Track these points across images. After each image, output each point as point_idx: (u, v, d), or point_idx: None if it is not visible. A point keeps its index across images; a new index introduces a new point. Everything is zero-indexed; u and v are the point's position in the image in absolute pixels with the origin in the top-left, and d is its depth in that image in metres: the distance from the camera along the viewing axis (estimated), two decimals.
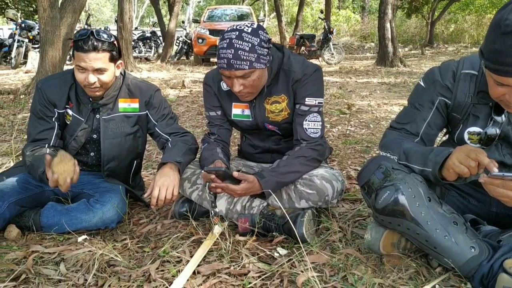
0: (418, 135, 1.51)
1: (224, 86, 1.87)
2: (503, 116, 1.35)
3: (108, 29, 12.87)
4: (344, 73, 9.07)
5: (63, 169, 1.61)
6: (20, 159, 1.98)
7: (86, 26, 12.18)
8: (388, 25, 9.78)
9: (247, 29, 1.60)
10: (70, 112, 1.90)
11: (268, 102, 1.82)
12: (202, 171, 1.72)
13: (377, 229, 1.48)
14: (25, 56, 10.17)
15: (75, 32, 5.67)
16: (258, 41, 1.59)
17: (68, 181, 1.60)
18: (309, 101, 1.77)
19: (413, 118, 1.51)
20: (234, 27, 1.62)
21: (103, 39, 1.74)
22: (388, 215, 1.36)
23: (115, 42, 1.81)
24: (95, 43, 1.72)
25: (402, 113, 1.58)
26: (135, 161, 2.07)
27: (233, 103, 1.89)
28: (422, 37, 18.23)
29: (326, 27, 11.75)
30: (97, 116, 1.92)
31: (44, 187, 1.91)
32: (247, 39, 1.58)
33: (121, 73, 1.95)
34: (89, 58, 1.72)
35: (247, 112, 1.87)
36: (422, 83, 1.52)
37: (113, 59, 1.81)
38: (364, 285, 1.36)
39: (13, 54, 10.01)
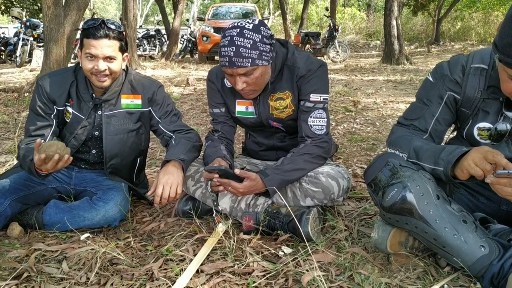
0: (426, 131, 1.47)
1: (227, 83, 1.84)
2: None
3: None
4: (349, 71, 9.01)
5: (52, 150, 1.52)
6: None
7: None
8: (394, 22, 9.71)
9: (248, 26, 1.57)
10: (70, 109, 1.88)
11: (272, 98, 1.79)
12: (203, 170, 1.70)
13: (384, 228, 1.45)
14: (30, 55, 10.20)
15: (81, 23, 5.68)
16: (260, 37, 1.56)
17: (56, 157, 1.53)
18: (314, 97, 1.74)
19: (422, 114, 1.48)
20: (235, 24, 1.59)
21: (114, 27, 1.75)
22: (396, 213, 1.32)
23: (124, 33, 1.82)
24: (107, 31, 1.73)
25: (410, 109, 1.55)
26: (138, 159, 2.05)
27: (237, 100, 1.86)
28: (428, 34, 18.10)
29: (331, 24, 11.69)
30: (99, 112, 1.90)
31: (47, 184, 1.90)
32: (248, 36, 1.55)
33: (123, 69, 1.93)
34: (100, 45, 1.72)
35: (251, 109, 1.85)
36: (430, 78, 1.48)
37: (122, 49, 1.81)
38: (371, 285, 1.33)
39: (18, 53, 10.05)
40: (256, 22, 1.60)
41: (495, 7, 17.62)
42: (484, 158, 1.16)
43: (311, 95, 1.73)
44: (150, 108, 1.97)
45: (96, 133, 1.92)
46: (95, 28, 1.72)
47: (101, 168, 1.98)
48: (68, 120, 1.90)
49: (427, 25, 19.07)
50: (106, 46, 1.73)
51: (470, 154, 1.21)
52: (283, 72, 1.76)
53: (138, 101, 1.94)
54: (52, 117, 1.87)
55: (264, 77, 1.66)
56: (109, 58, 1.76)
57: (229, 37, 1.56)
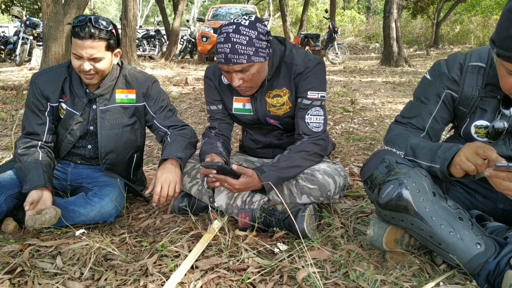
0: (424, 129, 1.47)
1: (225, 80, 1.84)
2: (511, 109, 1.31)
3: None
4: (348, 73, 9.03)
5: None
6: None
7: None
8: (393, 24, 9.74)
9: (244, 22, 1.57)
10: (64, 105, 1.87)
11: (270, 95, 1.79)
12: (200, 166, 1.69)
13: (380, 225, 1.44)
14: (30, 54, 10.20)
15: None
16: (256, 34, 1.56)
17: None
18: (311, 94, 1.73)
19: (419, 112, 1.48)
20: (232, 21, 1.59)
21: (101, 26, 1.70)
22: (392, 210, 1.32)
23: (114, 30, 1.78)
24: (92, 30, 1.68)
25: (407, 107, 1.54)
26: (135, 155, 2.04)
27: (234, 97, 1.86)
28: (427, 37, 18.16)
29: (331, 26, 11.71)
30: (94, 107, 1.89)
31: None
32: (244, 32, 1.54)
33: (118, 64, 1.92)
34: (84, 46, 1.69)
35: (248, 106, 1.84)
36: (428, 76, 1.48)
37: (109, 48, 1.77)
38: (366, 282, 1.32)
39: (17, 51, 10.05)
40: (253, 18, 1.60)
41: (494, 11, 17.66)
42: (475, 153, 1.16)
43: (309, 92, 1.73)
44: (144, 103, 1.96)
45: (92, 127, 1.91)
46: (80, 28, 1.67)
47: (97, 163, 1.97)
48: (62, 117, 1.89)
49: (426, 28, 19.13)
50: (90, 48, 1.69)
51: (462, 150, 1.21)
52: (281, 69, 1.75)
53: (133, 96, 1.93)
54: (45, 115, 1.86)
55: (260, 73, 1.65)
56: (94, 59, 1.72)
57: (225, 33, 1.56)
